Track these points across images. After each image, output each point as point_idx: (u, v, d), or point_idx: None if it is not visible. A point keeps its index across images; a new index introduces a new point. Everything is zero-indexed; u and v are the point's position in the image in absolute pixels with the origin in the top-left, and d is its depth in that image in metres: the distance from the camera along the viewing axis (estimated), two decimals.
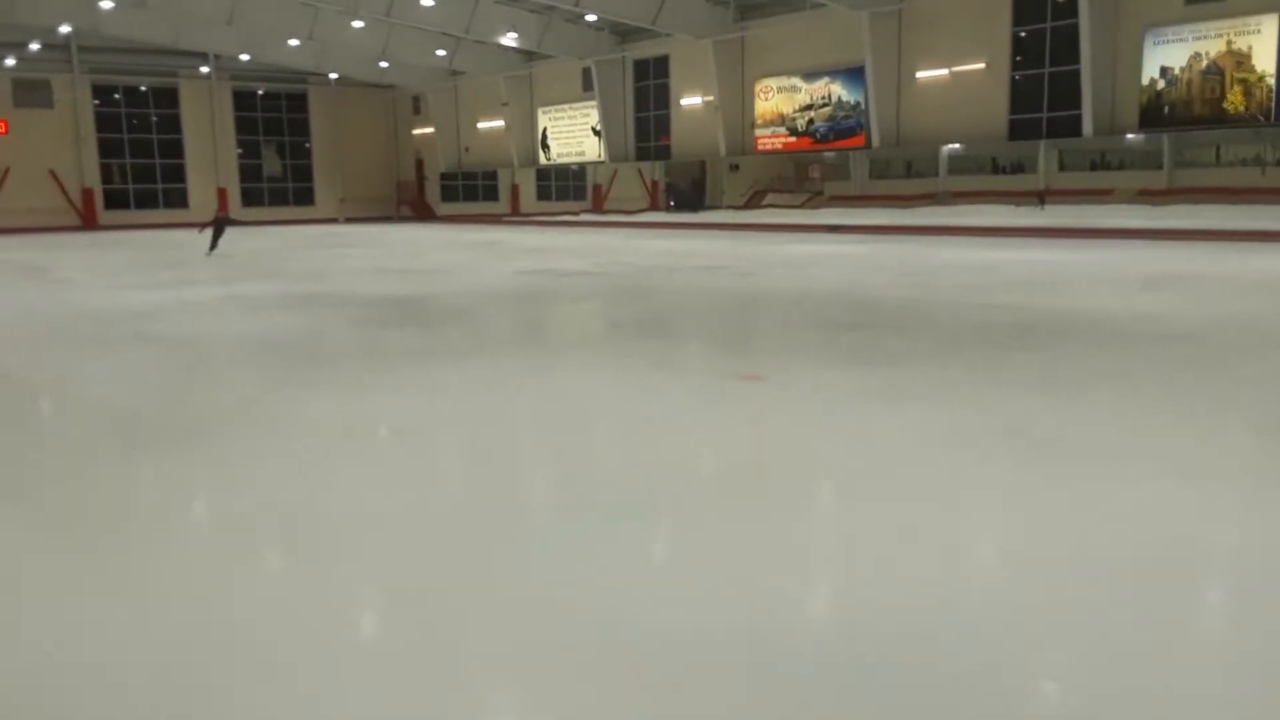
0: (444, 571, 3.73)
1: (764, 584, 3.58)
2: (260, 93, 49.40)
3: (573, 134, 44.20)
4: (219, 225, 22.59)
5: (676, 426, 6.16)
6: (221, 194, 46.75)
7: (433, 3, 34.04)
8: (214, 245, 22.16)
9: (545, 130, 45.57)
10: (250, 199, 49.28)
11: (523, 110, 45.93)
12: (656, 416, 6.41)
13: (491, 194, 52.59)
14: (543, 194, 52.59)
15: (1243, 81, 24.37)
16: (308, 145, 51.39)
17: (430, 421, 6.34)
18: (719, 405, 6.73)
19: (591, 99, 41.91)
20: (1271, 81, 23.89)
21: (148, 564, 3.84)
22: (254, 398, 7.25)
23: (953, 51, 30.43)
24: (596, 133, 42.43)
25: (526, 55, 43.34)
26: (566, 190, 53.02)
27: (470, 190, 52.45)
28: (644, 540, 4.20)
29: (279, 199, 50.02)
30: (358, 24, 37.68)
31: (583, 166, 47.63)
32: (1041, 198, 28.74)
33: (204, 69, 46.85)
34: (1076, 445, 5.43)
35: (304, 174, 51.61)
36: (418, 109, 52.04)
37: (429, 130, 50.84)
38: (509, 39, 38.04)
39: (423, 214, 51.93)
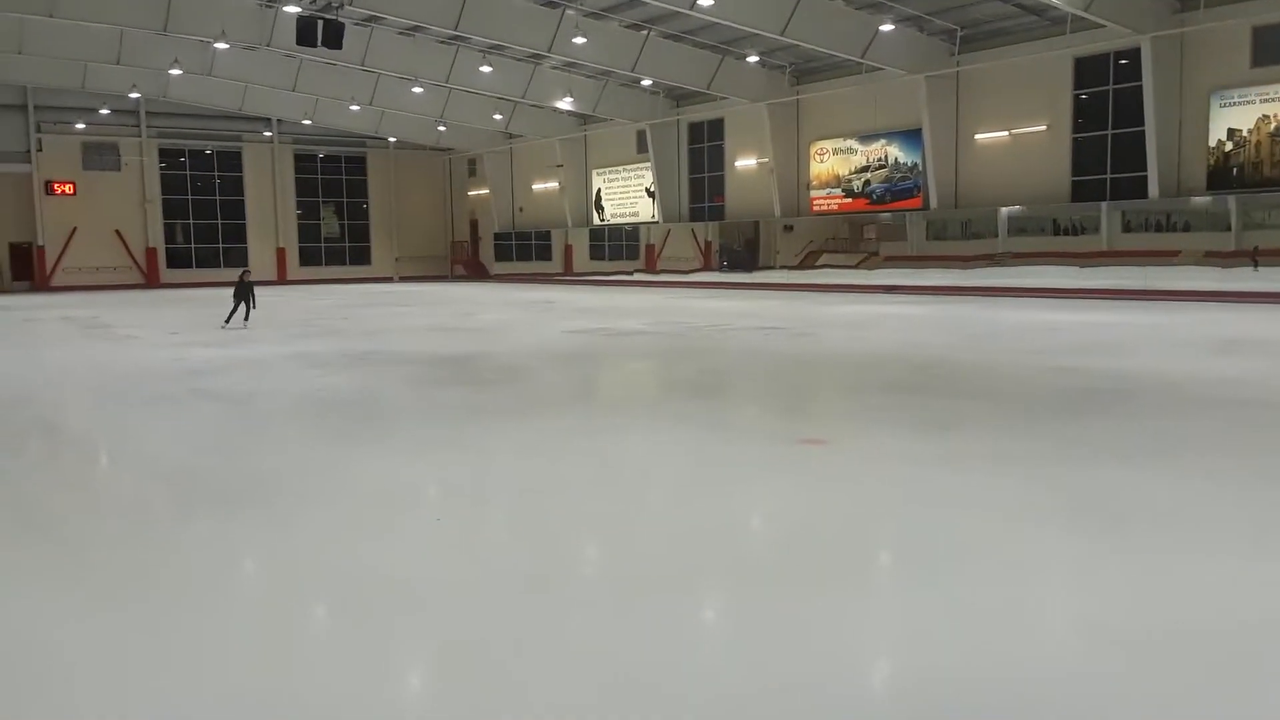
0: (491, 638, 3.52)
1: (827, 665, 3.33)
2: (320, 155, 50.66)
3: (626, 194, 44.54)
4: (243, 291, 18.52)
5: (736, 492, 5.93)
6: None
7: (491, 69, 34.70)
8: (235, 313, 18.49)
9: (599, 191, 45.99)
10: (308, 258, 50.29)
11: (577, 171, 46.44)
12: (715, 482, 6.18)
13: (545, 254, 53.07)
14: (596, 254, 52.96)
15: None
16: (365, 206, 52.45)
17: (484, 484, 6.18)
18: (779, 470, 6.47)
19: (646, 160, 42.26)
20: None
21: (200, 631, 3.67)
22: (310, 458, 7.14)
23: (1012, 113, 30.22)
24: (650, 194, 42.70)
25: (582, 118, 43.94)
26: (620, 250, 53.34)
27: (524, 250, 52.99)
28: (700, 615, 3.96)
29: (336, 258, 50.98)
30: (417, 90, 38.55)
31: (636, 227, 47.92)
32: (1255, 259, 27.54)
33: (267, 133, 48.23)
34: (1148, 516, 5.11)
35: (361, 234, 52.59)
36: (473, 170, 52.92)
37: (484, 191, 51.61)
38: (565, 103, 38.59)
39: (477, 273, 52.51)
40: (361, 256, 52.36)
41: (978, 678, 3.24)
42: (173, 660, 3.44)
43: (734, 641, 3.68)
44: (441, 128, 46.13)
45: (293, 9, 27.23)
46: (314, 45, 26.21)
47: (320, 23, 25.80)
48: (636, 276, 44.50)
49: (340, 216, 52.31)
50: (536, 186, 48.98)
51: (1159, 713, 2.98)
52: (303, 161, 50.26)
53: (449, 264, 54.30)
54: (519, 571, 4.44)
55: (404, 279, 50.27)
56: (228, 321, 18.47)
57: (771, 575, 4.34)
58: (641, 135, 42.10)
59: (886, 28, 28.98)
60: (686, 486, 6.12)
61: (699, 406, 9.53)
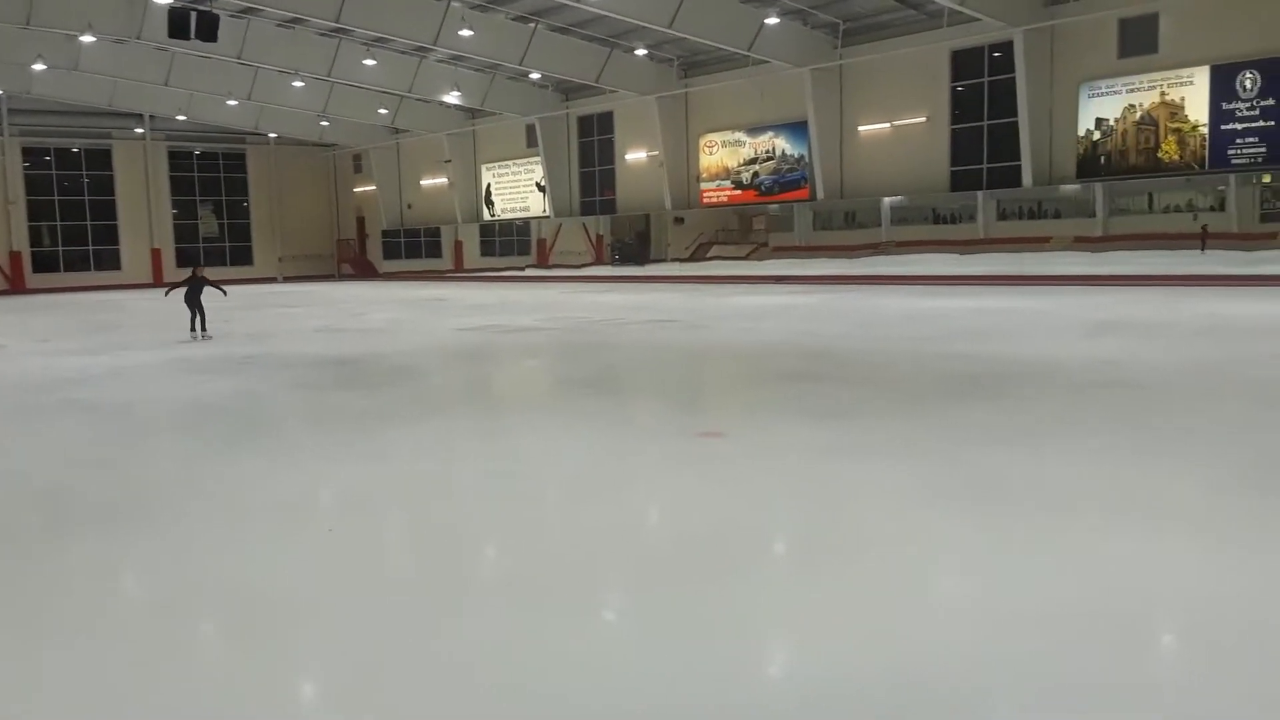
0: (385, 651, 3.39)
1: (735, 652, 3.32)
2: (197, 152, 48.81)
3: (517, 190, 44.18)
4: (194, 291, 16.39)
5: (636, 489, 5.90)
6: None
7: (374, 63, 33.93)
8: (199, 322, 16.32)
9: (489, 186, 45.50)
10: (186, 260, 48.39)
11: (466, 167, 45.85)
12: (614, 479, 6.14)
13: (435, 251, 52.28)
14: (486, 250, 52.42)
15: (1176, 131, 25.05)
16: (245, 204, 50.77)
17: (376, 491, 5.98)
18: (679, 465, 6.46)
19: (536, 155, 41.98)
20: (1204, 131, 24.58)
21: (76, 655, 3.44)
22: (193, 469, 6.83)
23: (894, 105, 30.98)
24: (541, 188, 42.44)
25: (470, 113, 43.38)
26: (511, 246, 52.92)
27: (413, 247, 52.09)
28: (608, 611, 3.91)
29: (215, 259, 49.15)
30: (298, 84, 37.44)
31: (527, 222, 47.59)
32: (1203, 240, 28.41)
33: (139, 130, 46.24)
34: (1040, 497, 5.27)
35: (242, 233, 50.90)
36: (359, 167, 51.76)
37: (370, 188, 50.53)
38: (452, 97, 38.03)
39: (364, 272, 51.40)
40: (243, 257, 50.63)
41: (879, 663, 3.26)
42: (46, 687, 3.22)
43: (636, 640, 3.63)
44: (325, 123, 44.93)
45: (164, 0, 26.11)
46: (187, 38, 25.17)
47: (193, 14, 24.79)
48: (529, 272, 44.25)
49: (219, 215, 50.50)
50: (425, 182, 48.18)
51: (1056, 689, 3.05)
52: (178, 159, 48.33)
53: (335, 263, 53.02)
54: (416, 579, 4.32)
55: (288, 279, 48.84)
56: (194, 330, 16.14)
57: (675, 571, 4.31)
58: (531, 129, 41.79)
59: (772, 21, 29.36)
60: (585, 485, 6.06)
61: (595, 403, 9.47)
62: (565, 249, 50.29)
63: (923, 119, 30.38)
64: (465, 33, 29.51)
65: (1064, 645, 3.36)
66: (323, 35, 33.08)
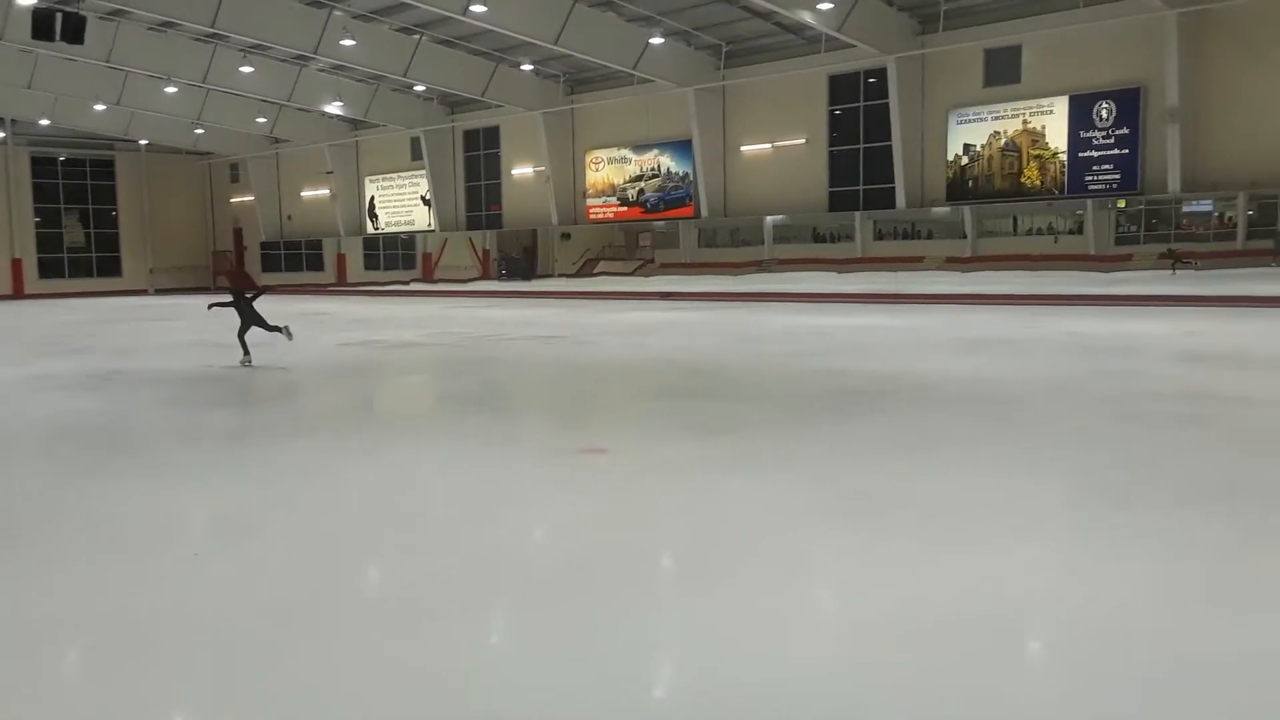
0: (257, 676, 3.32)
1: (619, 669, 3.36)
2: (62, 159, 46.50)
3: (401, 203, 43.54)
4: (242, 304, 13.40)
5: (518, 507, 5.89)
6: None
7: (252, 69, 33.03)
8: (245, 344, 13.49)
9: (373, 199, 44.72)
10: (49, 270, 46.04)
11: (349, 178, 44.98)
12: (497, 497, 6.11)
13: (316, 264, 51.01)
14: (370, 263, 51.41)
15: (1038, 158, 26.34)
16: (114, 213, 48.57)
17: (250, 512, 5.82)
18: (562, 482, 6.48)
19: (421, 168, 41.47)
20: (1064, 158, 25.91)
21: None
22: (54, 491, 6.52)
23: (775, 126, 31.72)
24: (426, 202, 41.93)
25: (353, 123, 42.58)
26: (395, 259, 52.04)
27: (293, 260, 50.71)
28: (493, 629, 3.90)
29: (81, 270, 46.95)
30: (171, 90, 36.14)
31: (412, 235, 46.92)
32: (1174, 263, 28.94)
33: None
34: (916, 510, 5.48)
35: (110, 243, 48.65)
36: (236, 176, 50.20)
37: (249, 198, 49.06)
38: (334, 107, 37.29)
39: (241, 284, 49.78)
40: (111, 268, 48.39)
41: (759, 676, 3.34)
42: None
43: (520, 660, 3.63)
44: (199, 130, 43.44)
45: (27, 1, 24.88)
46: (52, 40, 23.99)
47: (59, 15, 23.67)
48: (413, 286, 43.62)
49: (86, 225, 48.15)
50: (306, 193, 47.04)
51: (937, 700, 3.17)
52: (41, 165, 45.93)
53: (211, 275, 51.22)
54: (290, 603, 4.22)
55: (161, 292, 46.98)
56: (246, 354, 13.45)
57: (557, 589, 4.32)
58: (416, 142, 41.28)
59: (656, 41, 29.75)
60: (467, 504, 6.01)
61: (479, 420, 9.41)
62: (451, 263, 49.74)
63: (802, 140, 31.18)
64: (347, 42, 29.03)
65: (940, 655, 3.50)
66: (197, 40, 32.02)
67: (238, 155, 48.06)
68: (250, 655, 3.62)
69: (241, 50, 32.41)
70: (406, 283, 46.02)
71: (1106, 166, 25.36)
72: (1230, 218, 30.19)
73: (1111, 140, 25.24)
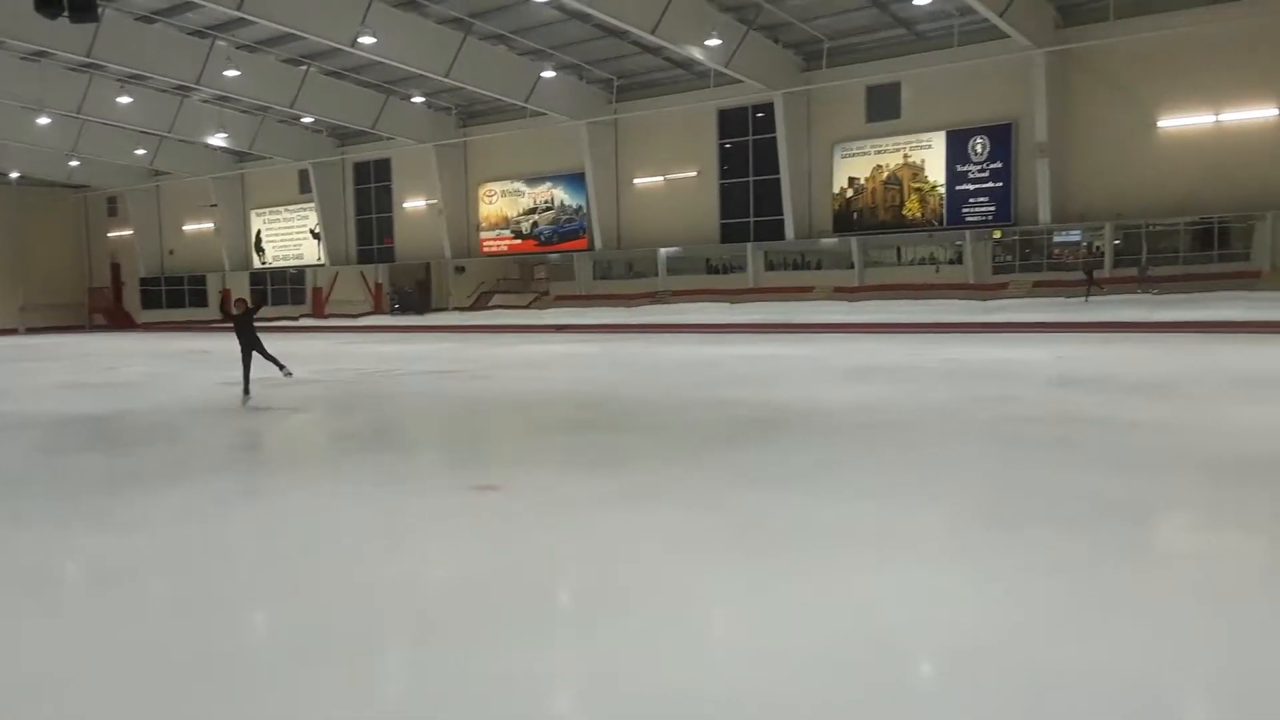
0: None
1: (515, 708, 3.33)
2: None
3: (290, 236, 42.67)
4: (243, 330, 13.27)
5: (410, 547, 5.80)
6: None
7: (130, 100, 32.02)
8: (254, 370, 13.36)
9: (259, 232, 43.71)
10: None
11: (234, 212, 43.89)
12: (387, 538, 6.01)
13: (200, 299, 49.45)
14: (258, 298, 50.09)
15: (918, 190, 27.33)
16: None
17: (126, 561, 5.58)
18: (455, 520, 6.40)
19: (309, 200, 40.76)
20: (942, 191, 26.94)
21: None
22: None
23: (667, 160, 32.20)
24: (315, 235, 41.15)
25: (238, 155, 41.62)
26: (284, 294, 50.74)
27: (175, 296, 49.09)
28: (383, 673, 3.82)
29: None
30: (43, 120, 34.74)
31: (301, 270, 45.94)
32: (1148, 284, 29.10)
33: None
34: (807, 537, 5.58)
35: None
36: (114, 210, 48.53)
37: (127, 232, 47.45)
38: (218, 139, 36.38)
39: (121, 322, 47.97)
40: None
41: (660, 712, 3.35)
42: None
43: (412, 703, 3.57)
44: (74, 163, 41.83)
45: None
46: (58, 15, 22.70)
47: None
48: (303, 321, 42.61)
49: None
50: (188, 227, 45.71)
51: None
52: None
53: (87, 313, 49.19)
54: (173, 654, 4.06)
55: (32, 330, 44.90)
56: (247, 392, 13.32)
57: (451, 630, 4.27)
58: (304, 174, 40.57)
59: (548, 74, 29.95)
60: (358, 545, 5.88)
61: (368, 459, 9.22)
62: (343, 298, 48.78)
63: (694, 173, 31.72)
64: (231, 73, 28.43)
65: (834, 681, 3.57)
66: (72, 70, 30.94)
67: (116, 188, 46.49)
68: (134, 707, 3.47)
69: (119, 80, 31.43)
70: (295, 318, 44.92)
71: (982, 199, 26.47)
72: (1098, 247, 31.77)
73: (986, 174, 26.37)
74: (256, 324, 13.68)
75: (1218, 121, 24.18)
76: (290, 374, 13.81)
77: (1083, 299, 27.36)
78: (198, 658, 4.03)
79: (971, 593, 4.61)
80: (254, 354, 13.23)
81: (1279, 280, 27.27)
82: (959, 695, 3.52)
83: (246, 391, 13.35)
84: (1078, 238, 32.34)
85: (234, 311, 13.32)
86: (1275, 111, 23.43)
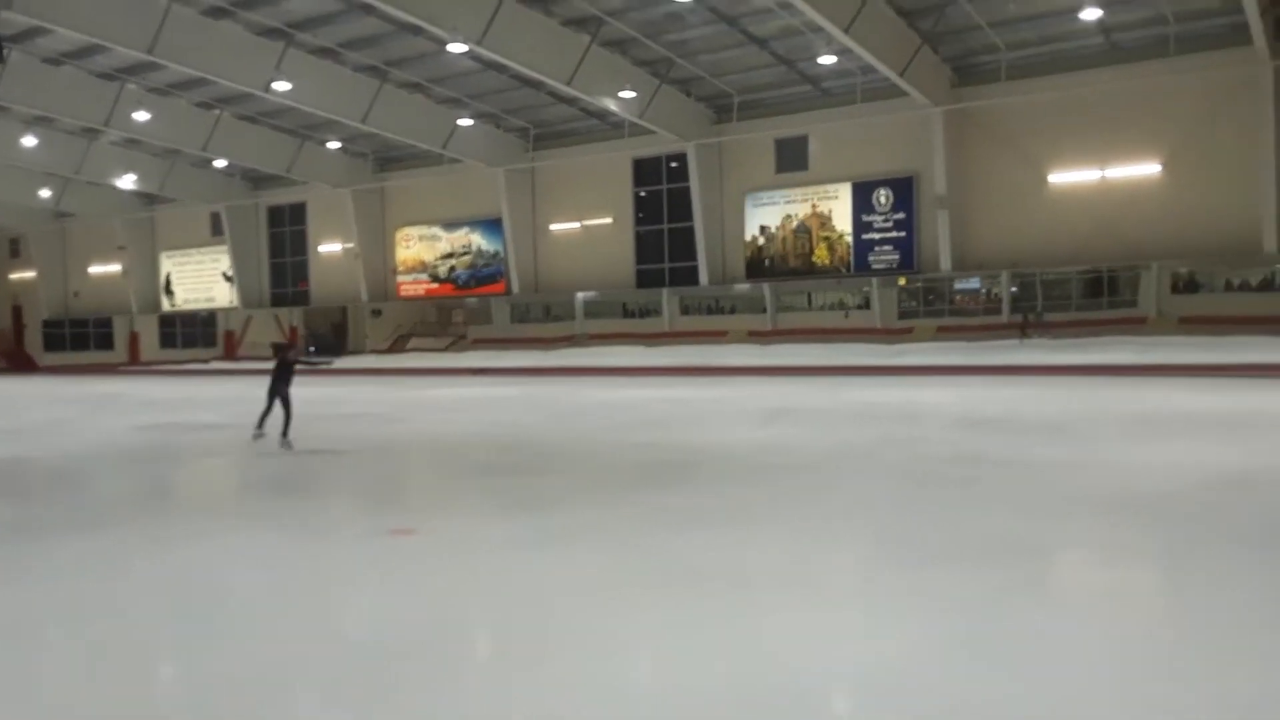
0: None
1: None
2: None
3: (201, 279, 41.94)
4: (281, 373, 12.64)
5: (320, 594, 5.83)
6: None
7: (36, 141, 31.33)
8: (267, 418, 12.69)
9: (169, 275, 42.86)
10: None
11: (143, 254, 42.99)
12: (299, 585, 6.03)
13: (106, 342, 48.09)
14: (167, 341, 48.88)
15: (826, 239, 28.23)
16: None
17: (23, 617, 5.49)
18: (368, 566, 6.44)
19: (222, 243, 40.18)
20: (849, 239, 27.87)
21: None
22: None
23: (583, 206, 32.66)
24: (228, 278, 40.53)
25: (148, 198, 40.87)
26: (195, 337, 49.69)
27: (80, 339, 47.67)
28: None
29: None
30: None
31: (213, 313, 45.09)
32: (1023, 329, 29.80)
33: None
34: (721, 578, 5.78)
35: None
36: (16, 251, 47.10)
37: (30, 274, 46.03)
38: (126, 181, 35.73)
39: (21, 365, 46.32)
40: None
41: None
42: None
43: None
44: None
45: None
46: None
47: None
48: (215, 365, 41.76)
49: None
50: (95, 269, 44.58)
51: None
52: None
53: None
54: (73, 712, 4.10)
55: None
56: (261, 427, 12.68)
57: (364, 679, 4.31)
58: (216, 217, 40.01)
59: (465, 122, 30.24)
60: (266, 594, 5.87)
61: (280, 504, 9.23)
62: (257, 341, 47.95)
63: (609, 220, 32.22)
64: (141, 116, 28.07)
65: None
66: None
67: (18, 229, 45.16)
68: None
69: (24, 121, 30.76)
70: (206, 361, 44.01)
71: (887, 247, 27.46)
72: (996, 294, 33.11)
73: (890, 224, 27.39)
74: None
75: (1104, 177, 25.56)
76: (260, 435, 12.71)
77: (1018, 340, 28.75)
78: (99, 714, 4.05)
79: (879, 631, 4.81)
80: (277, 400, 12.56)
81: (1164, 325, 28.78)
82: None
83: (263, 427, 12.70)
84: (977, 285, 33.72)
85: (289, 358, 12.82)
86: (1158, 168, 24.88)
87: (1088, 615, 5.06)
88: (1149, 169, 25.01)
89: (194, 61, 24.03)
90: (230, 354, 47.36)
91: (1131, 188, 25.17)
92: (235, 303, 41.03)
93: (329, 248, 38.66)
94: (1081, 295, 32.15)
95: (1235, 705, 3.80)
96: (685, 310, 37.48)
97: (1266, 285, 28.92)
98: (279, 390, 12.56)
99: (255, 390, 25.23)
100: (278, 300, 41.17)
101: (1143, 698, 3.90)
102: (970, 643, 4.56)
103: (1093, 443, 11.45)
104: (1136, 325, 29.29)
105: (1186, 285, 30.59)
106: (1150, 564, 6.22)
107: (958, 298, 33.86)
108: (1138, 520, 7.21)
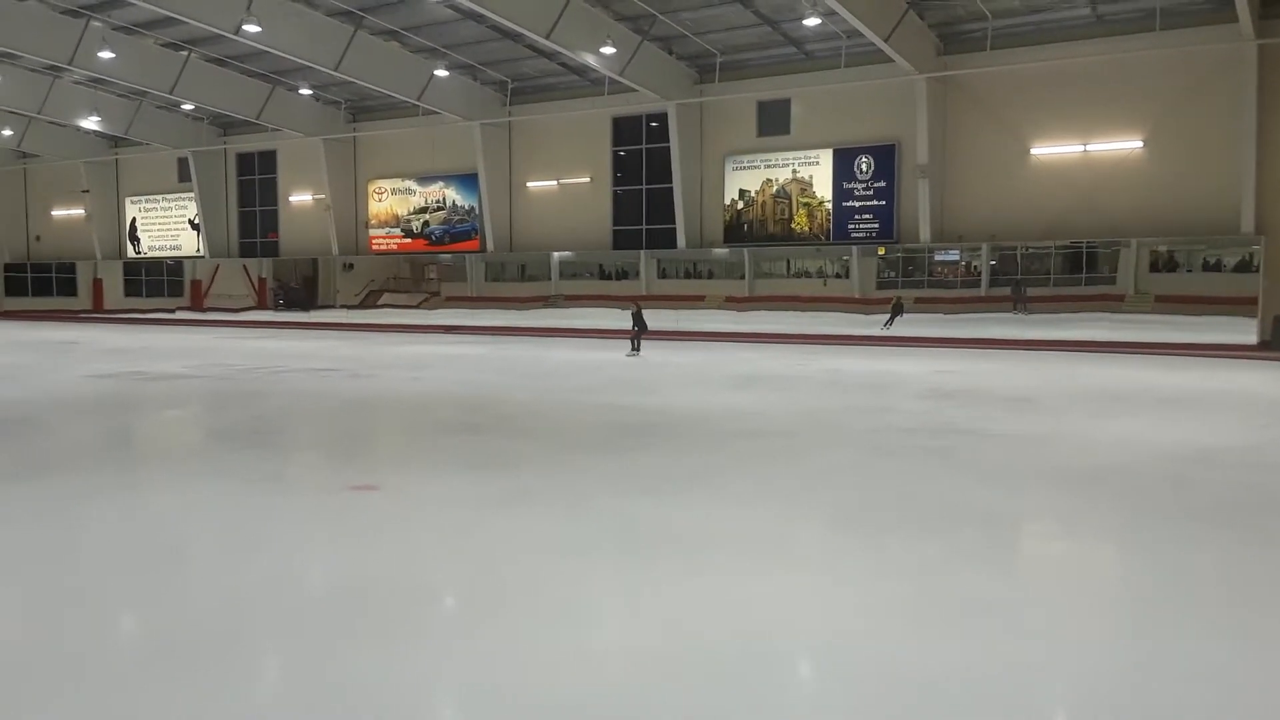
0: None
1: (388, 711, 3.30)
2: None
3: (167, 226, 41.11)
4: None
5: (280, 549, 5.66)
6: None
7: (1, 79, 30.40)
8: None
9: (134, 221, 41.98)
10: None
11: (107, 199, 42.05)
12: (256, 539, 5.86)
13: (69, 288, 47.12)
14: (132, 289, 47.96)
15: (806, 205, 27.96)
16: None
17: None
18: (326, 521, 6.29)
19: (189, 190, 39.35)
20: (829, 207, 27.61)
21: None
22: None
23: (560, 164, 32.16)
24: (195, 226, 39.76)
25: (112, 140, 39.90)
26: (160, 286, 48.78)
27: (42, 284, 46.68)
28: (253, 677, 3.73)
29: None
30: None
31: (179, 261, 44.27)
32: (1015, 302, 29.91)
33: None
34: (687, 541, 5.67)
35: None
36: None
37: None
38: (91, 122, 34.81)
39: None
40: None
41: (533, 711, 3.37)
42: None
43: (287, 708, 3.50)
44: None
45: None
46: None
47: None
48: (180, 315, 41.08)
49: None
50: (57, 213, 43.60)
51: None
52: None
53: None
54: (39, 655, 3.89)
55: None
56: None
57: (324, 631, 4.21)
58: (184, 163, 39.16)
59: (441, 73, 29.60)
60: (226, 546, 5.74)
61: (243, 457, 8.96)
62: (223, 291, 47.18)
63: (587, 179, 31.77)
64: (106, 55, 27.22)
65: (710, 683, 3.65)
66: None
67: None
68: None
69: None
70: (172, 310, 43.26)
71: (867, 216, 27.24)
72: (976, 266, 33.07)
73: (871, 192, 27.15)
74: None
75: (1085, 151, 25.41)
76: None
77: (1012, 313, 28.99)
78: (52, 662, 3.87)
79: (839, 596, 4.76)
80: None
81: (1141, 303, 28.88)
82: (824, 692, 3.64)
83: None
84: (956, 257, 33.64)
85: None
86: (1140, 143, 24.76)
87: (1043, 584, 5.15)
88: (1131, 144, 24.89)
89: (161, 0, 23.28)
90: (197, 304, 46.60)
91: (1113, 163, 25.04)
92: (202, 251, 40.28)
93: (299, 198, 37.95)
94: (1060, 271, 32.19)
95: (1174, 672, 3.71)
96: (662, 274, 37.23)
97: (1244, 267, 29.03)
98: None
99: (221, 341, 24.95)
100: (246, 250, 40.45)
101: (1094, 665, 3.81)
102: (927, 608, 4.53)
103: (1060, 416, 11.45)
104: (1114, 302, 29.38)
105: (1165, 264, 30.70)
106: (1106, 534, 6.22)
107: (937, 269, 33.82)
108: (1098, 492, 7.22)
